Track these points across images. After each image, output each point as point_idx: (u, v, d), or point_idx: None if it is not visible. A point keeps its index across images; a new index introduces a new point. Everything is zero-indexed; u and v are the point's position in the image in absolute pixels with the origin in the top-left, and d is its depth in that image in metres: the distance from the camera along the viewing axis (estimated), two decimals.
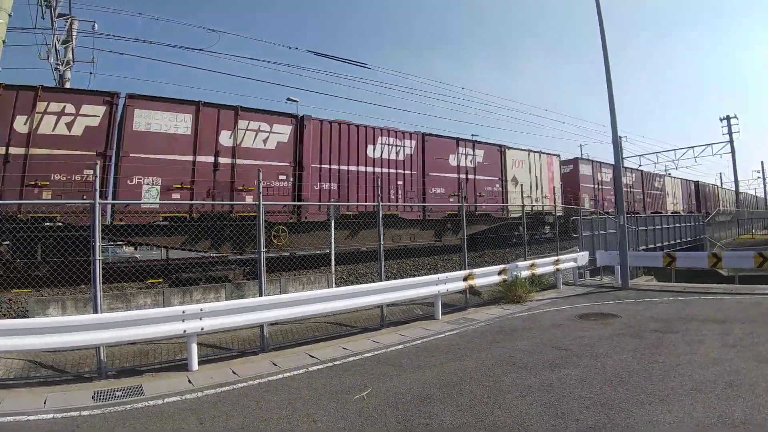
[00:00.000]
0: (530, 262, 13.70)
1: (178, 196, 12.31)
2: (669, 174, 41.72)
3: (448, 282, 10.99)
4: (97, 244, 7.29)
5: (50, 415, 5.43)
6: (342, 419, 5.07)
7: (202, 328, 7.41)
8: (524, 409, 5.11)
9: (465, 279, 11.42)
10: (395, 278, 11.77)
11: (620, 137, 18.51)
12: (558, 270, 14.54)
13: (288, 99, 26.69)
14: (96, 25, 18.77)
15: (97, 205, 7.39)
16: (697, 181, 44.45)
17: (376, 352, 7.98)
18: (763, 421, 4.51)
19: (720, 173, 71.81)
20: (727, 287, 14.20)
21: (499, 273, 12.47)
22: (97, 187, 7.53)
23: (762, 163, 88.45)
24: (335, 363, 7.38)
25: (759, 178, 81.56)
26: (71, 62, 18.42)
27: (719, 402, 5.03)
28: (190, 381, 6.67)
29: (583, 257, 15.97)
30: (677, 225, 28.11)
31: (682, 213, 35.16)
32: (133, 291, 10.38)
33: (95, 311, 7.20)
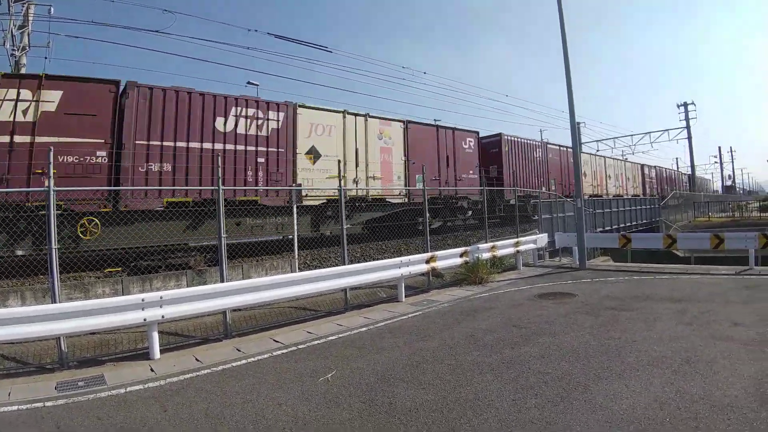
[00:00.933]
0: (491, 244, 13.92)
1: None
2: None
3: (411, 265, 11.10)
4: (53, 232, 7.11)
5: (15, 407, 5.32)
6: (307, 401, 5.10)
7: (163, 316, 7.31)
8: (485, 386, 5.24)
9: (428, 261, 11.55)
10: (359, 262, 11.79)
11: (578, 123, 18.88)
12: (518, 252, 14.82)
13: (248, 83, 26.32)
14: (52, 9, 18.06)
15: (52, 193, 7.18)
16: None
17: (340, 335, 8.03)
18: (722, 397, 4.60)
19: (677, 158, 74.10)
20: (683, 268, 14.66)
21: (461, 255, 12.66)
22: (51, 173, 7.29)
23: (719, 148, 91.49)
24: (299, 347, 7.40)
25: (716, 163, 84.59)
26: (27, 47, 17.73)
27: (676, 377, 5.19)
28: (152, 369, 6.60)
29: (542, 239, 16.30)
30: (634, 208, 28.91)
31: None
32: (91, 280, 10.14)
33: (53, 301, 7.04)
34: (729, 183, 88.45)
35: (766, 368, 5.33)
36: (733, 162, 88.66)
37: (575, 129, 15.98)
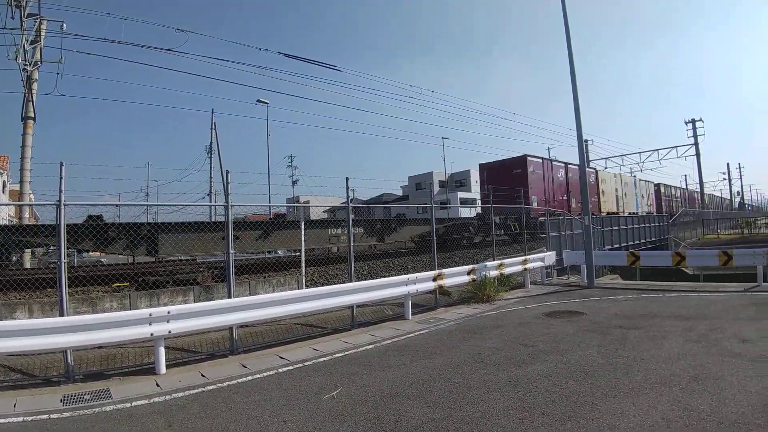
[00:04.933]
0: (498, 262, 13.88)
1: None
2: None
3: (418, 282, 11.07)
4: (62, 246, 7.17)
5: (20, 418, 5.36)
6: (312, 419, 5.07)
7: (170, 331, 7.34)
8: (492, 404, 5.19)
9: (435, 279, 11.52)
10: (366, 279, 11.78)
11: (586, 140, 18.96)
12: (526, 270, 14.77)
13: (258, 101, 26.57)
14: (64, 25, 18.36)
15: (62, 207, 7.27)
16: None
17: (346, 353, 8.00)
18: (729, 414, 4.56)
19: (685, 175, 73.93)
20: (691, 285, 14.53)
21: (468, 273, 12.62)
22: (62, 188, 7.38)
23: (728, 164, 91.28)
24: (305, 364, 7.38)
25: (724, 179, 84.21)
26: (39, 62, 18.03)
27: (684, 395, 5.13)
28: (158, 384, 6.60)
29: (550, 257, 16.24)
30: (642, 225, 28.81)
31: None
32: (99, 295, 10.18)
33: (61, 314, 7.10)
34: (738, 199, 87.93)
35: None
36: (741, 178, 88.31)
37: (582, 146, 15.97)
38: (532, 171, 25.14)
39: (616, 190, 34.07)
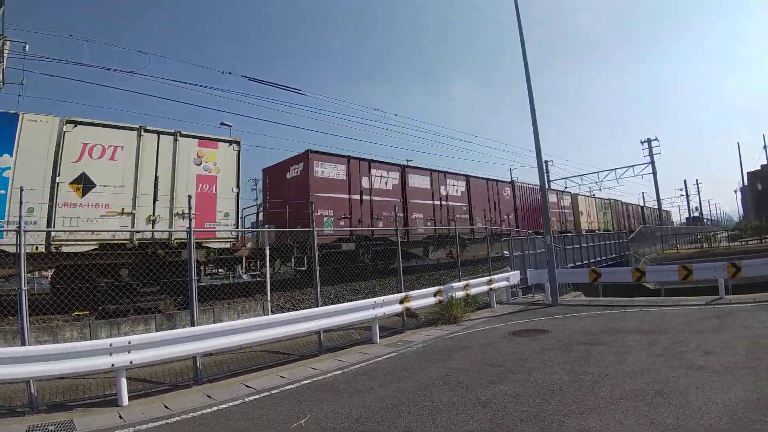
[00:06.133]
0: (464, 282, 13.97)
1: None
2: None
3: (385, 305, 11.06)
4: (22, 273, 6.99)
5: None
6: None
7: (131, 362, 7.15)
8: (462, 426, 5.20)
9: (401, 302, 11.53)
10: (333, 303, 11.70)
11: (546, 161, 19.42)
12: (492, 290, 14.91)
13: (222, 124, 26.39)
14: (27, 46, 17.96)
15: (23, 234, 7.10)
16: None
17: (314, 379, 7.90)
18: (696, 427, 4.65)
19: (643, 193, 75.88)
20: (652, 300, 14.89)
21: (435, 294, 12.67)
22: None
23: (685, 181, 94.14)
24: (272, 392, 7.26)
25: (682, 195, 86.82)
26: (1, 84, 17.55)
27: (650, 410, 5.21)
28: (121, 416, 6.42)
29: (514, 276, 16.44)
30: (602, 242, 29.40)
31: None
32: (59, 323, 9.84)
33: (23, 344, 6.93)
34: (696, 214, 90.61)
35: (739, 395, 5.40)
36: (699, 194, 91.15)
37: (542, 165, 16.36)
38: (321, 173, 17.26)
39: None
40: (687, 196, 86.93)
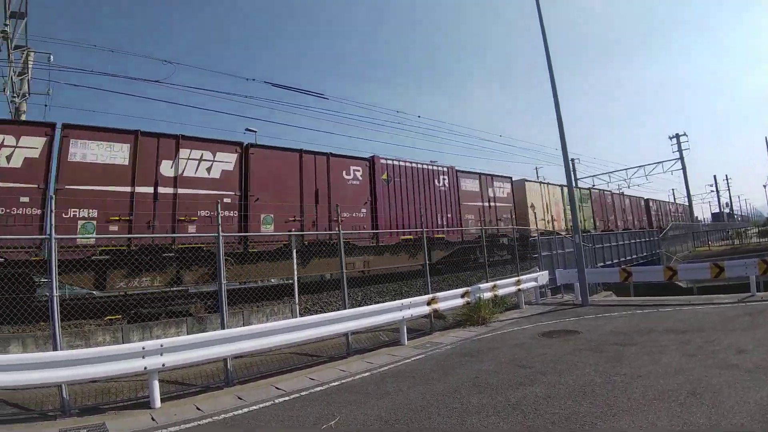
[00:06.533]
0: (492, 283, 13.86)
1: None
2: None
3: (413, 307, 11.04)
4: (54, 280, 7.14)
5: None
6: None
7: (164, 364, 7.25)
8: (492, 429, 5.16)
9: (429, 303, 11.50)
10: (360, 305, 11.73)
11: (572, 159, 19.12)
12: (520, 290, 14.77)
13: (247, 129, 26.59)
14: (52, 57, 18.42)
15: (54, 241, 7.26)
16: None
17: (342, 381, 7.92)
18: (728, 426, 4.59)
19: (673, 189, 74.18)
20: (685, 299, 14.58)
21: (462, 296, 12.60)
22: (53, 222, 7.37)
23: (715, 176, 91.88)
24: (302, 394, 7.30)
25: (712, 191, 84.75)
26: (27, 94, 18.03)
27: (683, 410, 5.12)
28: (153, 418, 6.51)
29: (543, 276, 16.26)
30: (633, 241, 28.94)
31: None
32: (91, 328, 10.06)
33: (55, 349, 7.04)
34: (726, 210, 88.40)
35: None
36: (729, 189, 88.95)
37: (568, 163, 16.13)
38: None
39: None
40: (717, 192, 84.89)
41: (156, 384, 7.13)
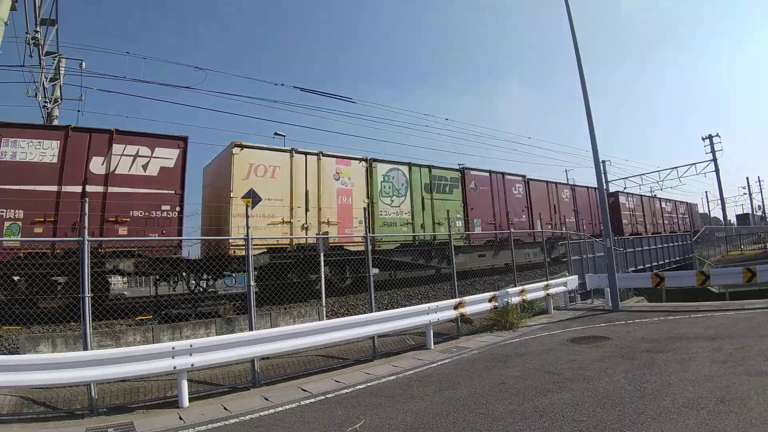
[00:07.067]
0: (520, 288, 13.74)
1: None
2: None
3: (439, 311, 11.00)
4: (86, 280, 7.29)
5: None
6: None
7: (193, 364, 7.37)
8: None
9: (456, 307, 11.45)
10: (387, 309, 11.72)
11: (603, 161, 18.83)
12: (548, 295, 14.60)
13: (276, 134, 26.87)
14: (84, 64, 18.86)
15: (86, 242, 7.42)
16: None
17: (368, 384, 7.94)
18: None
19: (706, 192, 72.53)
20: (717, 304, 14.30)
21: (490, 300, 12.50)
22: (86, 224, 7.54)
23: (747, 178, 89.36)
24: (327, 396, 7.33)
25: (745, 194, 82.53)
26: (59, 100, 18.50)
27: (711, 418, 5.03)
28: (181, 418, 6.62)
29: (572, 281, 16.04)
30: (665, 245, 28.37)
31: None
32: (122, 328, 10.26)
33: (85, 348, 7.18)
34: (759, 213, 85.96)
35: None
36: (761, 191, 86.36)
37: (599, 166, 15.88)
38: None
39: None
40: (750, 194, 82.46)
41: (185, 383, 7.24)
